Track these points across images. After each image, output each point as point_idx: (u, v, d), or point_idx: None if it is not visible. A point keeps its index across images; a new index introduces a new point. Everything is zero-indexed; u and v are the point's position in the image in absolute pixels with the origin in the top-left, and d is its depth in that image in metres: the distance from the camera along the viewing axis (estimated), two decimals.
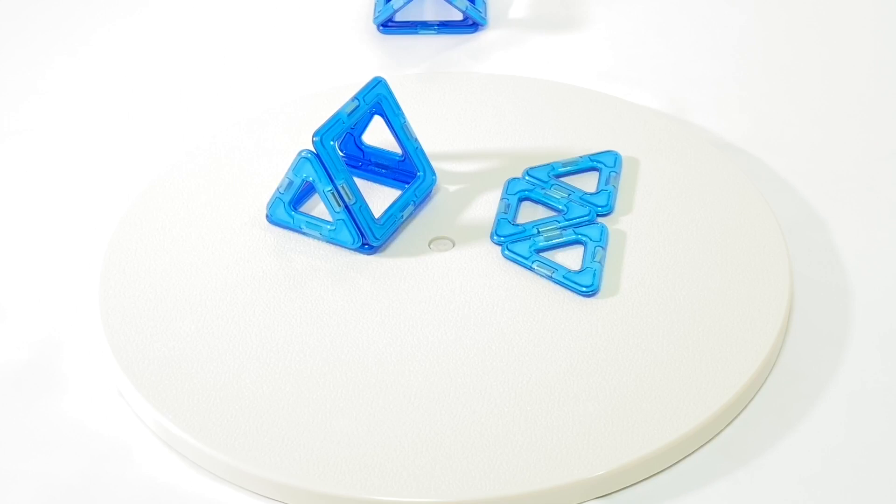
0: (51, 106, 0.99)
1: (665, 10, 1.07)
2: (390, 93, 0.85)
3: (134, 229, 0.85)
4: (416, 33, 1.05)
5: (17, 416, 0.77)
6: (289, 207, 0.84)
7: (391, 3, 1.03)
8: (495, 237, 0.84)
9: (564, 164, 0.88)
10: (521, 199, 0.86)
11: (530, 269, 0.82)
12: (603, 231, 0.83)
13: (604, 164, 0.88)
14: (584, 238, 0.83)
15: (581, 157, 0.89)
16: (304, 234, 0.84)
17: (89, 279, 0.83)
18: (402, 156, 0.87)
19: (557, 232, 0.84)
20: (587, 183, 0.87)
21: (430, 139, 0.89)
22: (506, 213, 0.85)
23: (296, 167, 0.82)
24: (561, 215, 0.85)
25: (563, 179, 0.88)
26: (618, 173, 0.87)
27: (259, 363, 0.77)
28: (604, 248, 0.82)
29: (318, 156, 0.81)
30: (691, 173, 0.88)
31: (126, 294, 0.81)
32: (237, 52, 1.04)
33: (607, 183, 0.87)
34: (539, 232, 0.84)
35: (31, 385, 0.78)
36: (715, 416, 0.74)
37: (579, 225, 0.84)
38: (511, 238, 0.84)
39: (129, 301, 0.81)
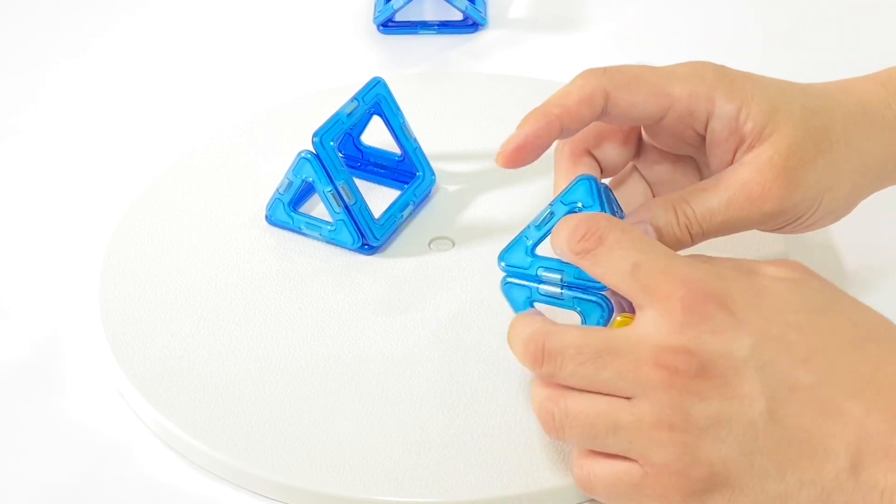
0: (51, 106, 0.99)
1: (666, 10, 1.07)
2: (389, 93, 0.85)
3: (134, 229, 0.85)
4: (416, 33, 1.05)
5: (16, 416, 0.77)
6: (288, 208, 0.84)
7: (391, 3, 1.03)
8: (501, 263, 0.73)
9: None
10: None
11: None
12: (602, 315, 0.71)
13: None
14: (582, 314, 0.72)
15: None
16: (303, 234, 0.84)
17: (89, 279, 0.83)
18: (401, 156, 0.87)
19: (559, 291, 0.72)
20: None
21: (430, 139, 0.89)
22: (527, 239, 0.72)
23: (295, 168, 0.82)
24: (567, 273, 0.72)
25: None
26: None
27: (259, 363, 0.77)
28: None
29: (317, 156, 0.81)
30: None
31: (126, 294, 0.81)
32: (237, 52, 1.04)
33: None
34: (541, 280, 0.72)
35: (31, 385, 0.78)
36: None
37: (582, 295, 0.72)
38: (515, 272, 0.72)
39: (129, 301, 0.81)
